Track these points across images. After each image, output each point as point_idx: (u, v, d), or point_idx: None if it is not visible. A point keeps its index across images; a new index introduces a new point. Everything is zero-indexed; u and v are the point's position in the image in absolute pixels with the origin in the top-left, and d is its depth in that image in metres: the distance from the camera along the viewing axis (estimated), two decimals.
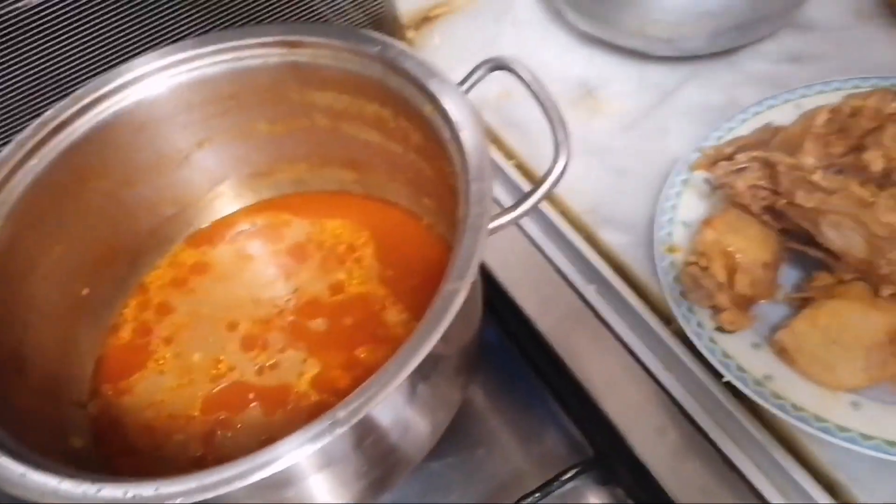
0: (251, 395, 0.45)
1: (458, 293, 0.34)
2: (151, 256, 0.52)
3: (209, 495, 0.31)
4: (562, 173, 0.39)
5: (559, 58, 0.62)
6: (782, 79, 0.55)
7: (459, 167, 0.39)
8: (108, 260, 0.50)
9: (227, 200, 0.54)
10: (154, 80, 0.47)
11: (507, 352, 0.51)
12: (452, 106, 0.40)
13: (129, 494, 0.32)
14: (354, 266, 0.49)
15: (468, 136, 0.39)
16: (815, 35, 0.58)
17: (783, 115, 0.49)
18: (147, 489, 0.32)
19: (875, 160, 0.38)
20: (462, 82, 0.42)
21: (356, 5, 0.66)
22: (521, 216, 0.38)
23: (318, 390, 0.44)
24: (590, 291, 0.51)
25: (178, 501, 0.31)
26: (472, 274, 0.35)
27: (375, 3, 0.67)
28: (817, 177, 0.39)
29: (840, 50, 0.57)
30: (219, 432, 0.44)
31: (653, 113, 0.57)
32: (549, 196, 0.40)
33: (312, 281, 0.49)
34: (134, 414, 0.46)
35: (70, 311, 0.47)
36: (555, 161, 0.39)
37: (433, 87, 0.41)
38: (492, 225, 0.37)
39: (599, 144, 0.55)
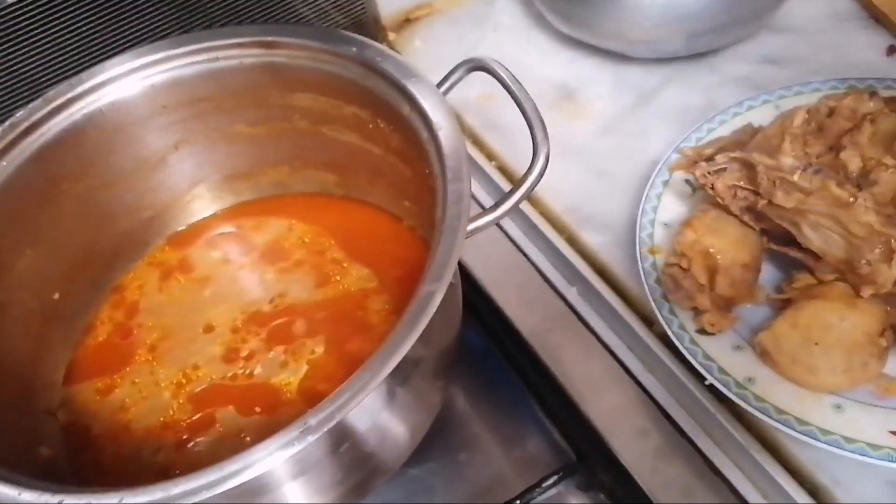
0: (231, 401, 0.44)
1: (435, 295, 0.34)
2: (127, 260, 0.51)
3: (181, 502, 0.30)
4: (541, 174, 0.39)
5: (540, 61, 0.62)
6: (761, 80, 0.55)
7: (437, 168, 0.39)
8: (82, 263, 0.49)
9: (205, 203, 0.53)
10: (128, 82, 0.46)
11: (489, 354, 0.50)
12: (430, 106, 0.40)
13: None
14: (336, 265, 0.48)
15: (446, 136, 0.39)
16: (793, 37, 0.58)
17: (762, 115, 0.49)
18: (110, 499, 0.31)
19: (852, 160, 0.38)
20: (440, 83, 0.42)
21: (337, 7, 0.66)
22: (499, 217, 0.37)
23: (305, 392, 0.43)
24: (571, 293, 0.50)
25: None
26: (449, 276, 0.34)
27: (356, 5, 0.67)
28: (796, 177, 0.38)
29: (817, 51, 0.57)
30: (196, 439, 0.44)
31: (632, 114, 0.57)
32: (529, 196, 0.39)
33: (294, 281, 0.48)
34: (105, 421, 0.45)
35: (41, 316, 0.46)
36: (533, 162, 0.39)
37: (411, 87, 0.41)
38: (470, 227, 0.36)
39: (580, 145, 0.55)
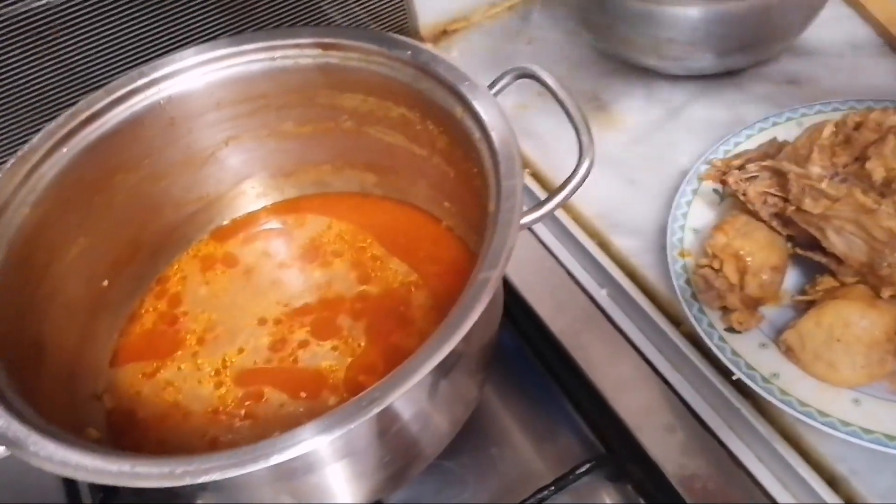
0: (276, 387, 0.46)
1: (490, 281, 0.36)
2: (172, 252, 0.53)
3: (245, 470, 0.32)
4: (586, 175, 0.41)
5: (572, 73, 0.64)
6: (783, 99, 0.58)
7: (490, 166, 0.41)
8: (129, 254, 0.50)
9: (250, 199, 0.55)
10: (189, 76, 0.48)
11: (521, 354, 0.52)
12: (483, 108, 0.42)
13: (166, 470, 0.33)
14: (375, 261, 0.51)
15: (499, 135, 0.41)
16: (814, 61, 0.61)
17: (786, 131, 0.52)
18: (185, 465, 0.32)
19: (876, 170, 0.41)
20: (489, 87, 0.44)
21: (376, 19, 0.69)
22: (550, 212, 0.39)
23: (348, 382, 0.45)
24: (601, 295, 0.52)
25: (213, 477, 0.32)
26: (504, 264, 0.36)
27: (398, 17, 0.69)
28: (824, 185, 0.41)
29: (835, 75, 0.60)
30: (240, 424, 0.45)
31: (662, 128, 0.59)
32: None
33: (336, 277, 0.50)
34: (149, 406, 0.47)
35: (89, 302, 0.48)
36: (580, 163, 0.41)
37: (464, 89, 0.43)
38: (523, 220, 0.38)
39: (611, 155, 0.57)
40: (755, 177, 0.44)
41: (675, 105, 0.60)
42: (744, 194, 0.44)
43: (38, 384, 0.41)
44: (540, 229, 0.57)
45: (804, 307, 0.45)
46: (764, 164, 0.43)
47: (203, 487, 0.37)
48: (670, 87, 0.62)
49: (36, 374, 0.41)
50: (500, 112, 0.42)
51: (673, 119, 0.60)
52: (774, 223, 0.44)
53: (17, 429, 0.34)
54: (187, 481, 0.32)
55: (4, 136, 0.57)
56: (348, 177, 0.54)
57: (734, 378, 0.44)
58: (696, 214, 0.50)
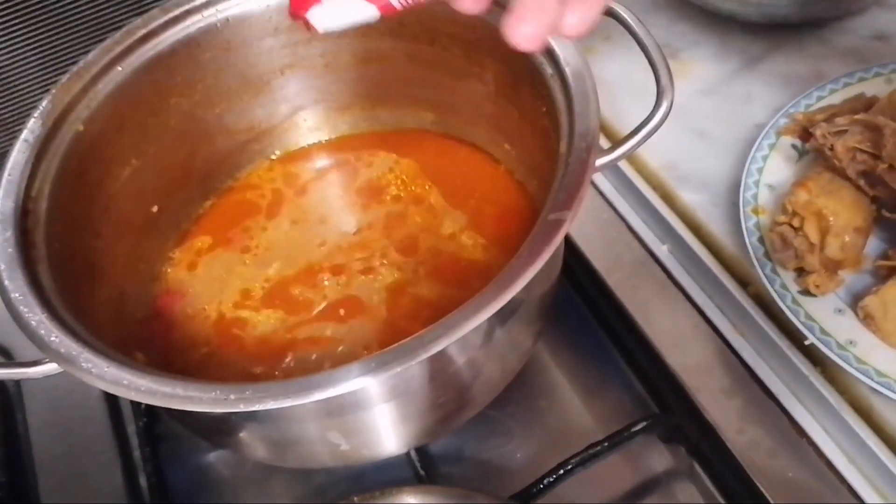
0: (324, 323, 0.45)
1: (560, 224, 0.34)
2: (220, 181, 0.52)
3: (301, 400, 0.31)
4: (664, 117, 0.38)
5: (641, 18, 0.61)
6: (869, 55, 0.55)
7: (562, 104, 0.39)
8: (180, 180, 0.50)
9: (302, 132, 0.53)
10: None
11: (573, 306, 0.50)
12: (556, 41, 0.40)
13: (217, 395, 0.31)
14: (432, 203, 0.49)
15: (573, 71, 0.39)
16: None
17: (874, 88, 0.49)
18: (235, 392, 0.31)
19: None
20: None
21: None
22: (625, 154, 0.37)
23: (394, 324, 0.44)
24: (662, 251, 0.50)
25: (267, 406, 0.31)
26: (578, 207, 0.34)
27: None
28: None
29: None
30: (286, 359, 0.44)
31: (735, 79, 0.56)
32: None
33: (389, 216, 0.49)
34: (195, 335, 0.46)
35: (139, 226, 0.47)
36: (658, 105, 0.38)
37: None
38: (598, 161, 0.36)
39: (680, 106, 0.52)
40: (845, 131, 0.41)
41: (750, 56, 0.57)
42: (831, 149, 0.41)
43: (91, 304, 0.40)
44: (599, 179, 0.54)
45: (885, 273, 0.42)
46: (856, 117, 0.40)
47: (250, 417, 0.37)
48: (747, 37, 0.58)
49: (88, 294, 0.41)
50: (575, 47, 0.39)
51: (748, 71, 0.56)
52: (861, 182, 0.42)
53: (69, 345, 0.34)
54: (240, 408, 0.31)
55: (60, 54, 0.56)
56: (405, 114, 0.52)
57: (806, 343, 0.41)
58: (773, 170, 0.47)
